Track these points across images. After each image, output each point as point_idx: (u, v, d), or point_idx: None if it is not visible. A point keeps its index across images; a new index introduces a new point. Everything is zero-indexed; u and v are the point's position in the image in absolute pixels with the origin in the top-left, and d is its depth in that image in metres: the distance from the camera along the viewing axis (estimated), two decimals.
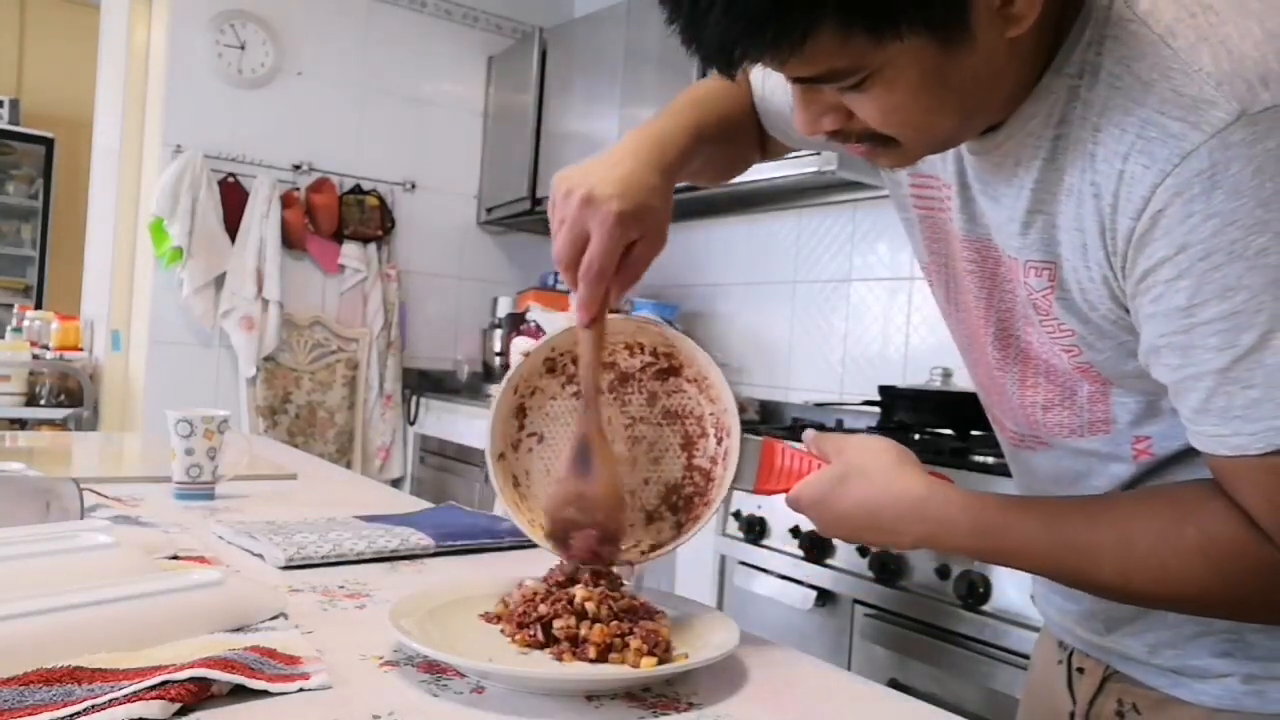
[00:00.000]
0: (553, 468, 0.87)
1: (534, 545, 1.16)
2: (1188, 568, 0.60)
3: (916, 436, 2.11)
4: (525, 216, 3.54)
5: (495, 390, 0.88)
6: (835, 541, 1.85)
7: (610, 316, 0.80)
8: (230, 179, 3.25)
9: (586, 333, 0.77)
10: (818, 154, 2.25)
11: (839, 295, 2.79)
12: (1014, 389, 0.73)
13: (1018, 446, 0.79)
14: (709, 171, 0.92)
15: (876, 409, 2.33)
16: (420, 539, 1.09)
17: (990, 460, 1.71)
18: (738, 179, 1.00)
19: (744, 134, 0.91)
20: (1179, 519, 0.61)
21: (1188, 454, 0.64)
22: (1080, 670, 0.81)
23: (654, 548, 0.85)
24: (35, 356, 3.43)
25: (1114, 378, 0.65)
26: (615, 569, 0.81)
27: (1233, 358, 0.54)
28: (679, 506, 0.86)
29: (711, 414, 0.85)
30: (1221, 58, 0.52)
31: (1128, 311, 0.60)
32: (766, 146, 0.94)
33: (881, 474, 0.72)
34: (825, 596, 1.87)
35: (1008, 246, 0.66)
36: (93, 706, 0.57)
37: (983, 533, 0.68)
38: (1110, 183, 0.56)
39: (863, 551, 1.79)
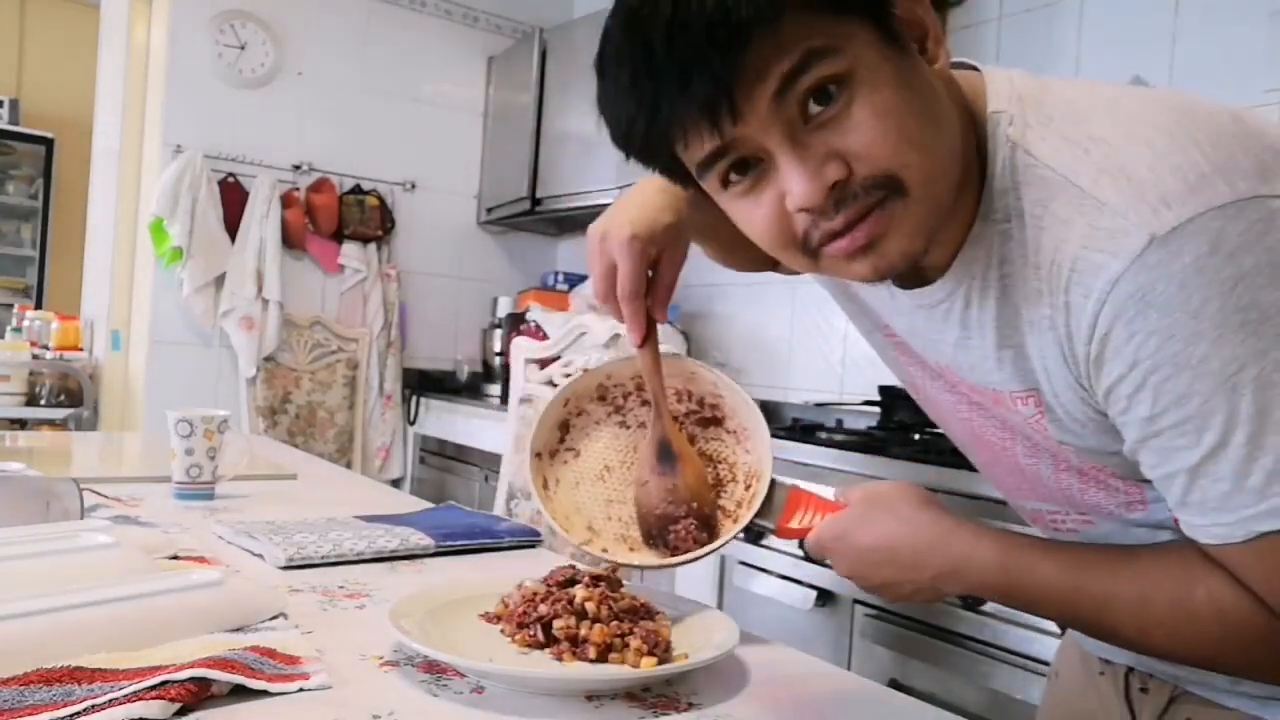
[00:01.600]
0: (582, 481, 0.90)
1: (534, 545, 1.16)
2: (1200, 631, 0.62)
3: (916, 436, 2.11)
4: (525, 216, 3.53)
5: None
6: None
7: (669, 358, 0.86)
8: (230, 179, 3.25)
9: (643, 351, 0.82)
10: None
11: None
12: (1049, 474, 0.73)
13: (1071, 529, 0.78)
14: (718, 237, 0.88)
15: (876, 409, 2.33)
16: (420, 539, 1.09)
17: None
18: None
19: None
20: (1189, 583, 0.62)
21: None
22: (1144, 690, 0.80)
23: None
24: (35, 356, 3.43)
25: (1131, 476, 0.67)
26: (617, 573, 0.82)
27: (1200, 456, 0.57)
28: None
29: (745, 463, 0.87)
30: (1122, 187, 0.55)
31: (1107, 416, 0.62)
32: (779, 263, 0.94)
33: (906, 511, 0.72)
34: (825, 596, 1.87)
35: (990, 384, 0.69)
36: (93, 706, 0.57)
37: (1006, 569, 0.68)
38: (1060, 315, 0.60)
39: None
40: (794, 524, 0.80)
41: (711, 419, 0.89)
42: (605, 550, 0.86)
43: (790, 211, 0.60)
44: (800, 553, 1.93)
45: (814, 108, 0.58)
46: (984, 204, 0.63)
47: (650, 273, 0.81)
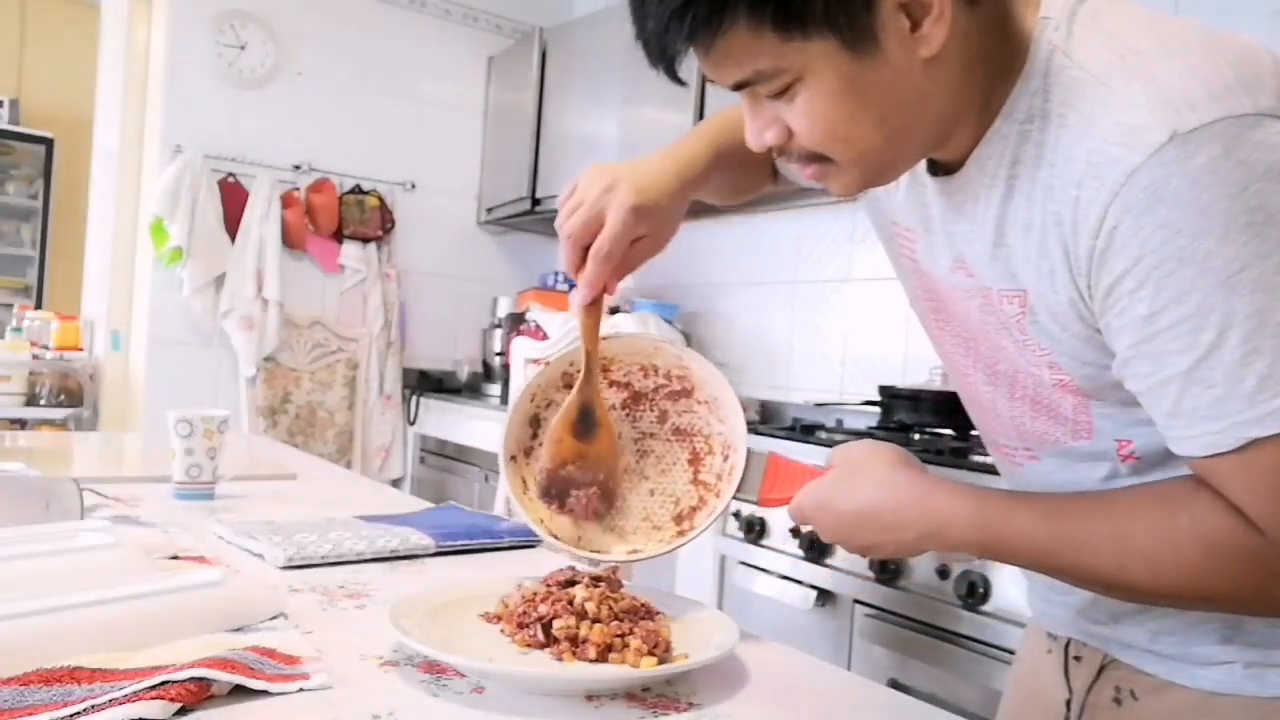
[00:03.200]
0: None
1: (534, 545, 1.16)
2: (1183, 557, 0.62)
3: (916, 436, 2.11)
4: (525, 216, 3.54)
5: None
6: None
7: (628, 336, 0.87)
8: (230, 179, 3.25)
9: (588, 310, 0.84)
10: None
11: (839, 295, 2.79)
12: (1004, 404, 0.75)
13: (1011, 462, 0.81)
14: (724, 190, 0.98)
15: (876, 409, 2.33)
16: (420, 539, 1.09)
17: (990, 459, 1.71)
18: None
19: (759, 161, 0.95)
20: (1171, 511, 0.63)
21: (1169, 458, 0.66)
22: (1078, 659, 0.83)
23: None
24: (35, 356, 3.43)
25: (1092, 391, 0.68)
26: (618, 574, 0.82)
27: (1194, 359, 0.58)
28: (682, 516, 0.88)
29: (720, 433, 0.87)
30: (1152, 90, 0.57)
31: (1098, 331, 0.64)
32: (777, 176, 1.00)
33: (883, 472, 0.73)
34: (825, 596, 1.87)
35: (983, 276, 0.70)
36: (93, 706, 0.57)
37: (984, 525, 0.69)
38: (1068, 209, 0.61)
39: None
40: (775, 494, 0.80)
41: (681, 391, 0.89)
42: (599, 551, 0.86)
43: None
44: (800, 553, 1.93)
45: (766, 89, 0.65)
46: (1009, 103, 0.65)
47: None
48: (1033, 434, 0.75)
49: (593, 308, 0.84)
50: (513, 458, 0.89)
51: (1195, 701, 0.72)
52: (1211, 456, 0.59)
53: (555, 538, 0.87)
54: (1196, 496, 0.62)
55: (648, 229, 0.82)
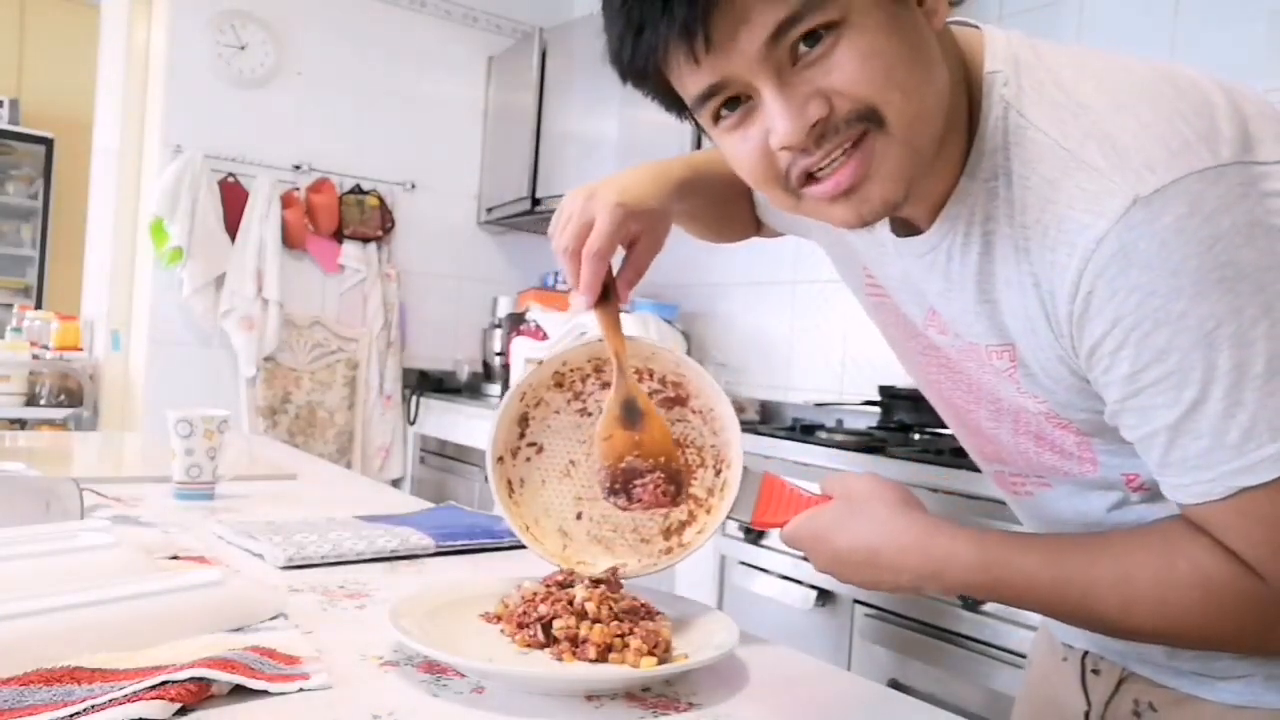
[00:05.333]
0: (548, 479, 0.89)
1: None
2: (1184, 603, 0.62)
3: (916, 436, 2.11)
4: (525, 216, 3.53)
5: (504, 393, 0.89)
6: None
7: (629, 340, 0.84)
8: (230, 179, 3.25)
9: (600, 310, 0.82)
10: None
11: (839, 295, 2.79)
12: (1009, 438, 0.75)
13: (1019, 494, 0.80)
14: (704, 219, 0.97)
15: (876, 409, 2.33)
16: (420, 539, 1.09)
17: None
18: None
19: (739, 201, 0.96)
20: (1171, 554, 0.63)
21: None
22: (1096, 672, 0.82)
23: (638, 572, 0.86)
24: (35, 356, 3.43)
25: (1093, 431, 0.68)
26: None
27: (1180, 413, 0.58)
28: (671, 530, 0.87)
29: (713, 446, 0.86)
30: (1108, 152, 0.57)
31: (1088, 381, 0.64)
32: (761, 226, 1.00)
33: (885, 512, 0.73)
34: (825, 596, 1.87)
35: (968, 333, 0.70)
36: (93, 706, 0.57)
37: (986, 567, 0.68)
38: (1045, 272, 0.61)
39: None
40: (769, 517, 0.80)
41: (675, 398, 0.87)
42: (582, 563, 0.85)
43: (774, 149, 0.62)
44: (800, 552, 1.92)
45: (802, 49, 0.59)
46: (972, 160, 0.65)
47: (624, 252, 0.83)
48: (1040, 465, 0.74)
49: (605, 306, 0.82)
50: (500, 459, 0.88)
51: (1216, 714, 0.72)
52: (1205, 504, 0.60)
53: (540, 543, 0.87)
54: (1195, 540, 0.62)
55: (638, 225, 0.82)
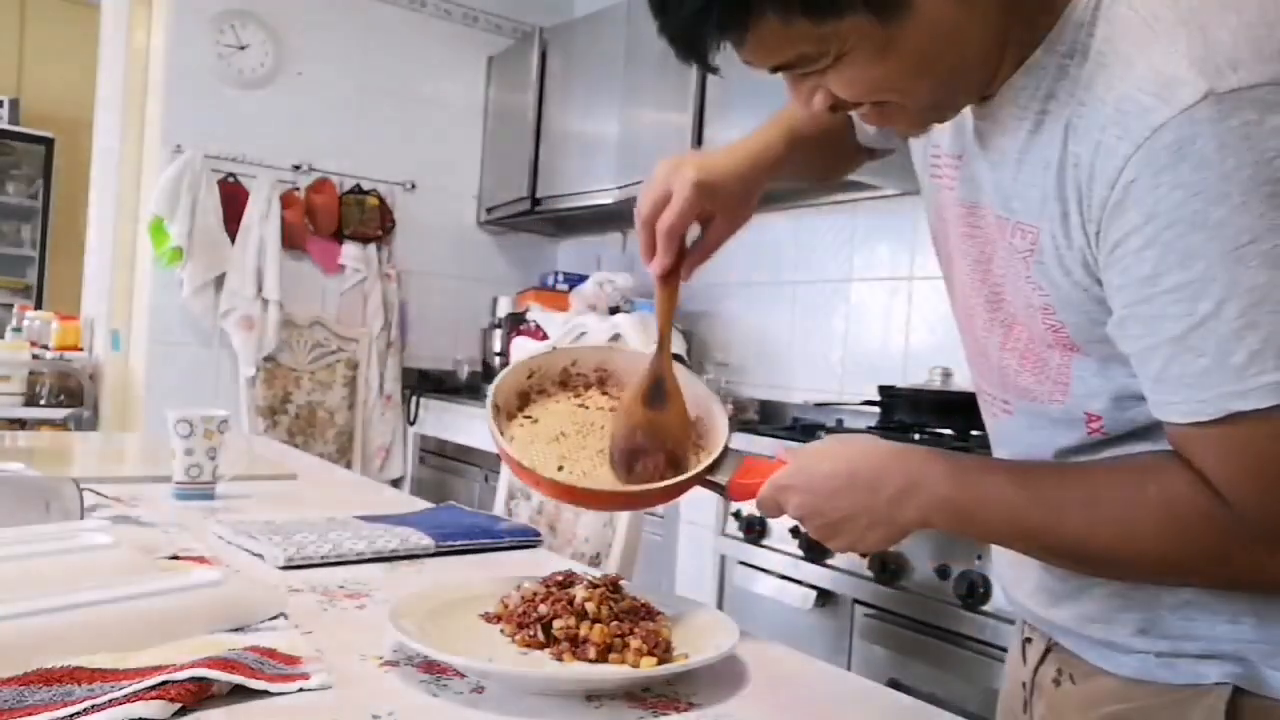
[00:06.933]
0: (537, 441, 0.91)
1: (534, 545, 1.16)
2: (1148, 525, 0.63)
3: (916, 436, 2.11)
4: (525, 216, 3.53)
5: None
6: None
7: (631, 352, 0.89)
8: (230, 179, 3.25)
9: (663, 283, 0.85)
10: None
11: (839, 295, 2.79)
12: (995, 350, 0.76)
13: (993, 413, 0.82)
14: (810, 169, 0.99)
15: (876, 409, 2.33)
16: (420, 539, 1.09)
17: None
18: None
19: (840, 137, 0.96)
20: (1141, 479, 0.64)
21: (1135, 435, 0.68)
22: (1029, 640, 0.85)
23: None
24: (35, 356, 3.43)
25: (1081, 343, 0.68)
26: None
27: (1189, 325, 0.57)
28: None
29: (699, 443, 0.88)
30: (1197, 41, 0.55)
31: (1099, 282, 0.63)
32: (870, 151, 1.00)
33: (860, 442, 0.75)
34: (825, 596, 1.87)
35: (999, 208, 0.70)
36: (93, 706, 0.57)
37: (960, 482, 0.70)
38: (1088, 153, 0.60)
39: None
40: (745, 479, 0.81)
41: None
42: (561, 469, 0.85)
43: None
44: (800, 553, 1.93)
45: (798, 70, 0.64)
46: (1055, 32, 0.63)
47: (700, 228, 0.85)
48: (1015, 387, 0.75)
49: (666, 283, 0.85)
50: (496, 406, 0.89)
51: (1115, 687, 0.74)
52: (1191, 425, 0.59)
53: (509, 440, 0.87)
54: (1166, 467, 0.63)
55: (714, 206, 0.83)
